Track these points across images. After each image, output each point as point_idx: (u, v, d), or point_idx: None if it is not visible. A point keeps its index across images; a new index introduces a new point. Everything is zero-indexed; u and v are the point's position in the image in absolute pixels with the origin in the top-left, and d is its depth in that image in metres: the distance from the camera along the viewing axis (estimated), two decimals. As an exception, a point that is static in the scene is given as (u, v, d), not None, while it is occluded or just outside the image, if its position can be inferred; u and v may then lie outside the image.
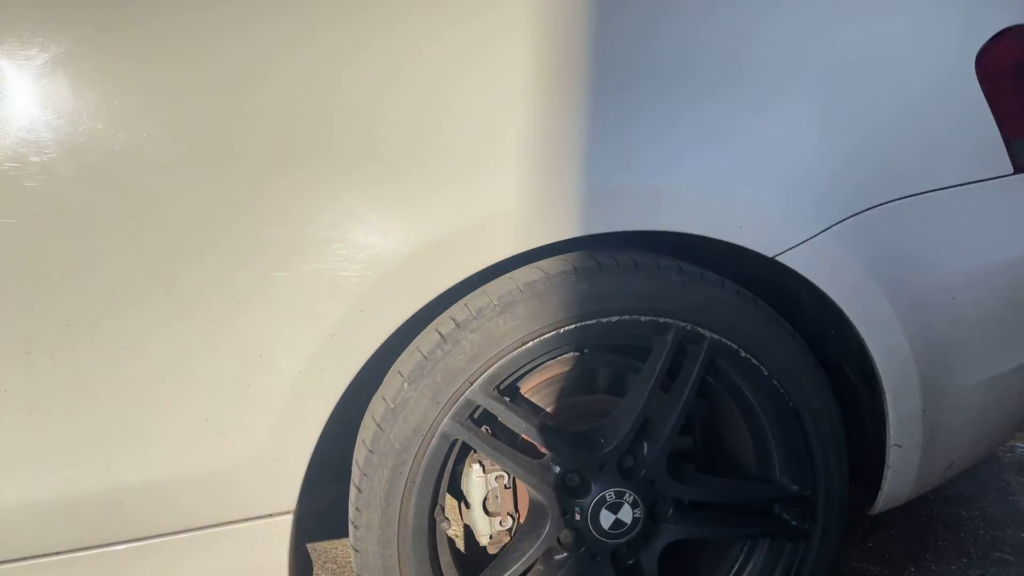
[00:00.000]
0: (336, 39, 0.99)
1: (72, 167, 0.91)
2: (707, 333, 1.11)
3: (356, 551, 1.08)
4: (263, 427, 1.00)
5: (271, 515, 1.04)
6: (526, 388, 1.17)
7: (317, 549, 1.62)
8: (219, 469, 1.00)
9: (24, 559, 0.97)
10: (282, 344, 0.99)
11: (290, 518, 1.05)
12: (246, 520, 1.03)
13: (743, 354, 1.13)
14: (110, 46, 0.92)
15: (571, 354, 1.17)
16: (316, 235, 0.98)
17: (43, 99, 0.90)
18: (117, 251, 0.94)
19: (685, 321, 1.10)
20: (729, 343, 1.12)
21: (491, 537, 1.17)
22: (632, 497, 1.13)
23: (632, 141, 1.05)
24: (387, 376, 1.09)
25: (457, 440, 1.09)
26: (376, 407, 1.08)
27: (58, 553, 0.98)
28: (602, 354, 1.21)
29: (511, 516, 1.17)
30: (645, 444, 1.15)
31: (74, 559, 0.99)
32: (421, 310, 1.03)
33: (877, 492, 1.22)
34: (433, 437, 1.07)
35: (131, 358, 0.96)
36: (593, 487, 1.13)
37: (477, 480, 1.14)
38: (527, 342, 1.07)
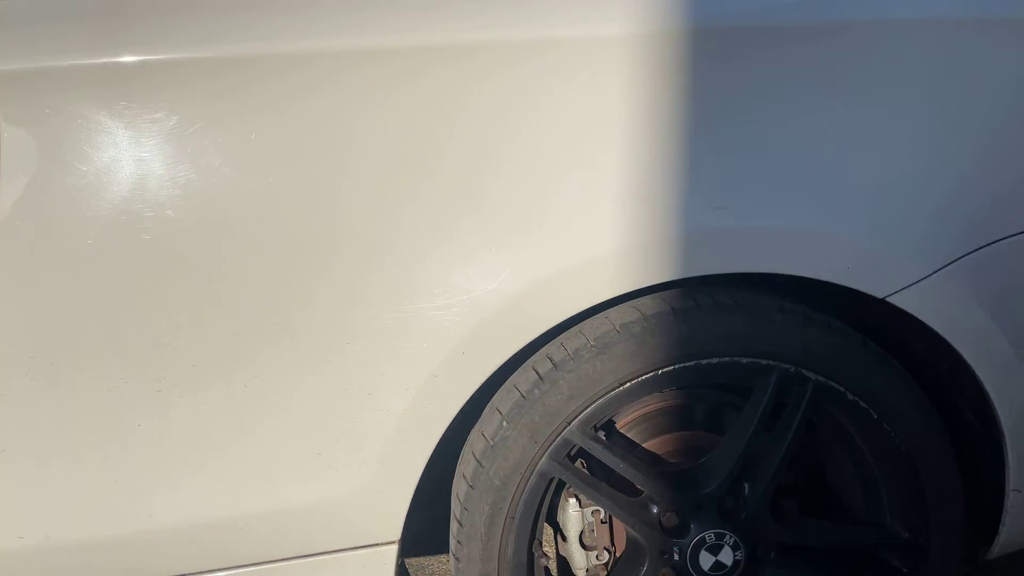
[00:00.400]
0: (443, 90, 0.97)
1: (197, 221, 0.91)
2: (812, 375, 1.02)
3: (457, 560, 1.05)
4: (370, 462, 0.99)
5: (377, 544, 1.02)
6: (622, 423, 1.11)
7: (414, 564, 1.60)
8: (330, 500, 1.00)
9: None
10: (388, 384, 0.97)
11: (395, 548, 1.03)
12: (354, 548, 1.02)
13: (850, 397, 1.03)
14: (229, 112, 0.91)
15: (669, 390, 1.08)
16: (420, 281, 0.96)
17: (169, 159, 0.90)
18: (239, 297, 0.94)
19: (788, 363, 1.01)
20: (835, 386, 1.03)
21: (587, 571, 1.12)
22: (733, 539, 1.05)
23: (732, 182, 0.97)
24: (486, 411, 1.05)
25: (554, 478, 1.03)
26: (476, 442, 1.04)
27: (201, 572, 0.98)
28: (701, 390, 1.12)
29: (608, 551, 1.11)
30: (746, 485, 1.06)
31: None
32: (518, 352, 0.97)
33: (993, 537, 1.09)
34: (532, 475, 1.02)
35: (251, 396, 0.96)
36: (692, 527, 1.05)
37: (574, 514, 1.09)
38: (624, 383, 1.01)
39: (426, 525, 1.20)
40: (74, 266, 0.93)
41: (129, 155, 0.93)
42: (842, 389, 1.04)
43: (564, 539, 1.14)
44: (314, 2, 0.95)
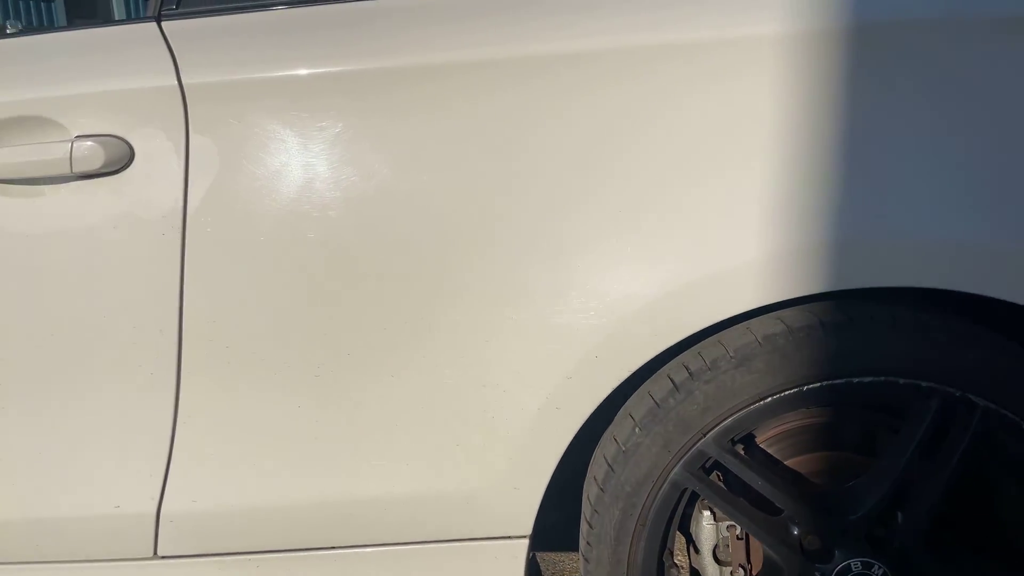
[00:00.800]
0: (594, 100, 0.94)
1: (357, 221, 0.95)
2: (981, 402, 0.87)
3: (586, 560, 0.99)
4: (504, 457, 0.95)
5: (509, 537, 0.99)
6: (762, 438, 1.01)
7: (545, 559, 1.55)
8: (466, 491, 0.97)
9: (303, 550, 0.99)
10: (523, 382, 0.94)
11: (526, 542, 0.99)
12: (487, 539, 0.99)
13: (1026, 427, 0.86)
14: (387, 115, 0.94)
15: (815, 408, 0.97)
16: (560, 283, 0.91)
17: (332, 163, 0.91)
18: (391, 294, 0.94)
19: (953, 387, 0.87)
20: (1008, 414, 0.87)
21: None
22: (882, 570, 0.91)
23: (893, 190, 0.84)
24: (618, 416, 0.99)
25: (687, 488, 0.95)
26: (607, 447, 0.98)
27: (333, 548, 0.99)
28: (851, 409, 0.99)
29: (743, 568, 1.00)
30: (899, 514, 0.92)
31: (344, 555, 1.00)
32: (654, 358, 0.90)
33: None
34: (664, 484, 0.94)
35: (397, 386, 0.96)
36: (837, 553, 0.94)
37: (708, 527, 1.00)
38: (764, 398, 0.91)
39: (560, 521, 1.15)
40: (249, 260, 0.96)
41: (298, 160, 0.95)
42: (1017, 419, 0.88)
43: (697, 551, 1.05)
44: (471, 10, 0.93)
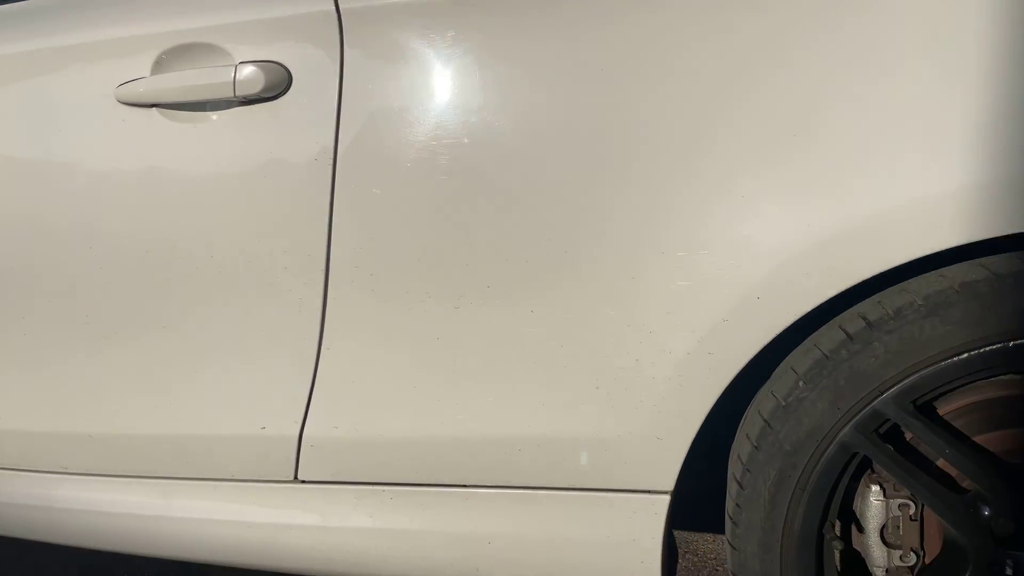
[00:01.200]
0: (746, 28, 0.81)
1: (501, 151, 0.86)
2: None
3: (733, 548, 0.84)
4: (648, 404, 0.82)
5: (650, 491, 0.86)
6: (945, 410, 0.81)
7: (678, 537, 1.39)
8: (604, 437, 0.85)
9: (435, 486, 0.91)
10: (672, 323, 0.81)
11: (667, 499, 0.86)
12: (626, 491, 0.87)
13: None
14: (519, 32, 0.80)
15: (1015, 376, 0.77)
16: (716, 215, 0.78)
17: (472, 88, 0.83)
18: (533, 225, 0.84)
19: None
20: None
21: (887, 571, 0.83)
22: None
23: None
24: (777, 371, 0.84)
25: (857, 454, 0.78)
26: (764, 402, 0.83)
27: (464, 487, 0.90)
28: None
29: (915, 553, 0.82)
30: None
31: (475, 494, 0.91)
32: (822, 305, 0.75)
33: None
34: (830, 445, 0.78)
35: (537, 321, 0.85)
36: (1036, 542, 0.73)
37: (876, 503, 0.83)
38: (960, 353, 0.72)
39: (694, 501, 1.00)
40: (396, 187, 0.89)
41: (448, 85, 0.87)
42: None
43: (860, 530, 0.87)
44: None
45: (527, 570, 0.97)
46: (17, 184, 1.05)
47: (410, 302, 0.94)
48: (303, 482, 1.01)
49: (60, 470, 1.11)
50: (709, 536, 1.47)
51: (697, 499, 1.04)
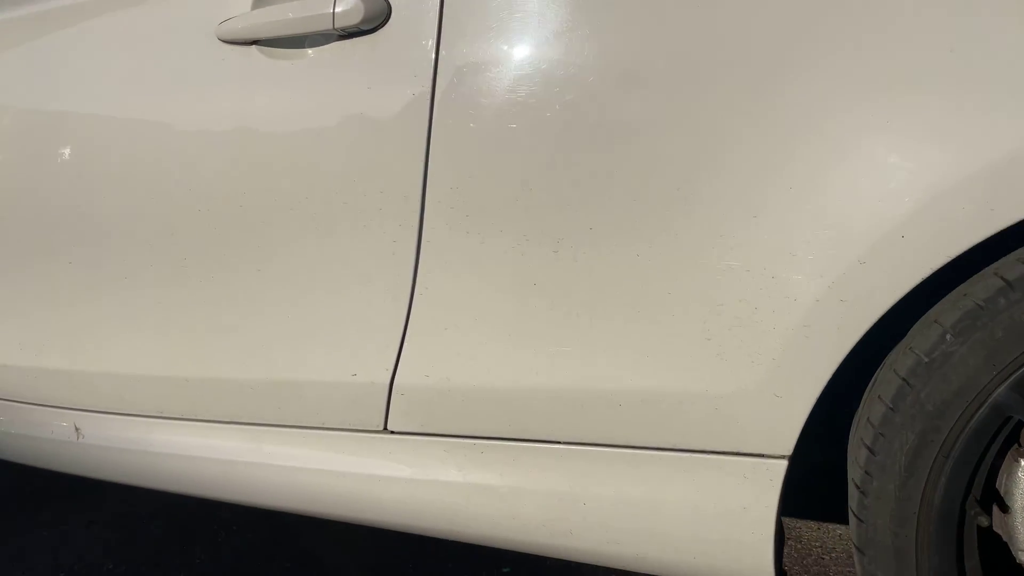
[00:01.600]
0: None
1: (608, 83, 0.78)
2: None
3: (860, 520, 0.74)
4: (766, 357, 0.72)
5: (763, 456, 0.76)
6: None
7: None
8: (715, 393, 0.76)
9: (529, 441, 0.84)
10: (799, 266, 0.70)
11: (784, 464, 0.76)
12: (736, 454, 0.77)
13: None
14: None
15: None
16: (857, 144, 0.66)
17: (587, 19, 0.73)
18: (644, 159, 0.75)
19: None
20: None
21: None
22: None
23: None
24: (917, 325, 0.72)
25: (1009, 419, 0.66)
26: (900, 360, 0.72)
27: (559, 443, 0.83)
28: None
29: None
30: None
31: (571, 451, 0.84)
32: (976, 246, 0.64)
33: None
34: (981, 407, 0.67)
35: (642, 265, 0.77)
36: None
37: (1029, 479, 0.70)
38: None
39: (798, 486, 0.89)
40: (494, 125, 0.83)
41: (550, 19, 0.78)
42: None
43: (1005, 510, 0.74)
44: None
45: (623, 535, 0.88)
46: (119, 127, 1.03)
47: (507, 245, 0.87)
48: (392, 432, 0.96)
49: (155, 414, 1.10)
50: (813, 523, 1.34)
51: (797, 483, 0.93)
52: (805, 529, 1.35)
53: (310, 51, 0.93)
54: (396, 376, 0.95)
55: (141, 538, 1.41)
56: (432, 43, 0.87)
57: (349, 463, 1.00)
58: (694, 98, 0.79)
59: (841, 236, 0.73)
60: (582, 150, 0.83)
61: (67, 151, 1.07)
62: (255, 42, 0.95)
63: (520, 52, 0.85)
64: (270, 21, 0.92)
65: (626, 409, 0.85)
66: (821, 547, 1.31)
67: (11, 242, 1.14)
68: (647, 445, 0.86)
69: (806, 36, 0.74)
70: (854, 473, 0.81)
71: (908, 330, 0.77)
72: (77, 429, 1.17)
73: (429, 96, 0.88)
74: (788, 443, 0.80)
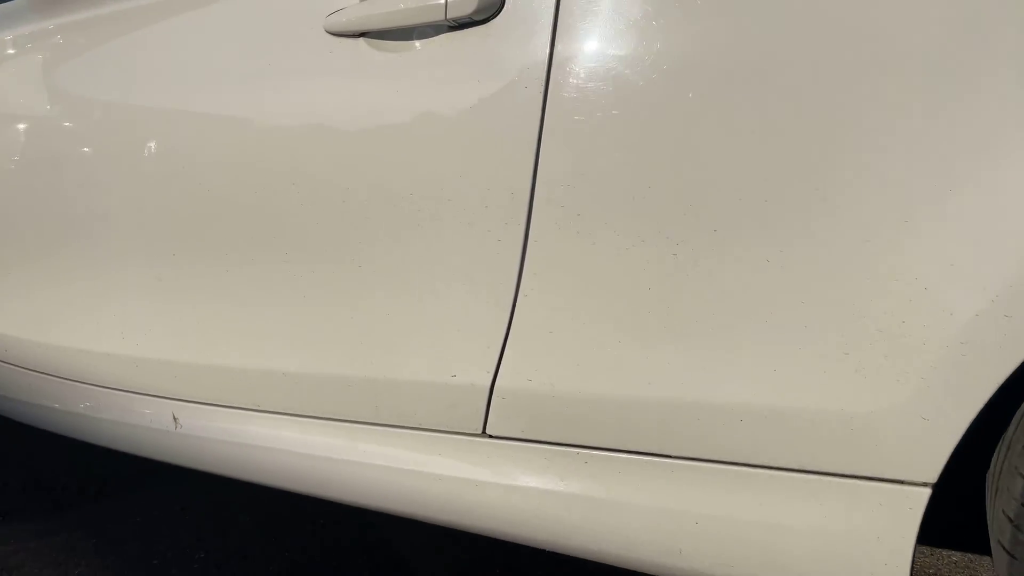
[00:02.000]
0: None
1: (740, 72, 0.68)
2: None
3: (1012, 557, 0.65)
4: (913, 375, 0.64)
5: (904, 482, 0.68)
6: None
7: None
8: (851, 413, 0.68)
9: (637, 454, 0.77)
10: (957, 277, 0.62)
11: (927, 493, 0.68)
12: (872, 479, 0.69)
13: None
14: None
15: None
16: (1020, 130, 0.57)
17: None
18: (775, 158, 0.67)
19: None
20: None
21: None
22: None
23: None
24: None
25: None
26: None
27: (670, 457, 0.76)
28: None
29: None
30: None
31: (683, 467, 0.77)
32: None
33: None
34: None
35: (773, 271, 0.69)
36: None
37: None
38: None
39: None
40: (612, 119, 0.76)
41: (683, 3, 0.72)
42: None
43: None
44: None
45: (738, 559, 0.81)
46: (222, 120, 1.01)
47: (621, 246, 0.80)
48: (491, 436, 0.91)
49: (252, 407, 1.08)
50: (926, 548, 1.23)
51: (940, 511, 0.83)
52: (934, 560, 1.25)
53: (418, 43, 0.89)
54: (497, 379, 0.90)
55: (231, 528, 1.41)
56: (547, 34, 0.82)
57: (445, 465, 0.95)
58: (838, 90, 0.70)
59: (1009, 244, 0.64)
60: (708, 148, 0.76)
61: (174, 145, 1.06)
62: (363, 34, 0.91)
63: (643, 43, 0.78)
64: (380, 13, 0.88)
65: (748, 425, 0.78)
66: (934, 575, 1.20)
67: (112, 233, 1.14)
68: (770, 464, 0.79)
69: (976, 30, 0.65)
70: (1006, 505, 0.71)
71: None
72: (175, 418, 1.17)
73: (542, 89, 0.82)
74: (933, 470, 0.71)
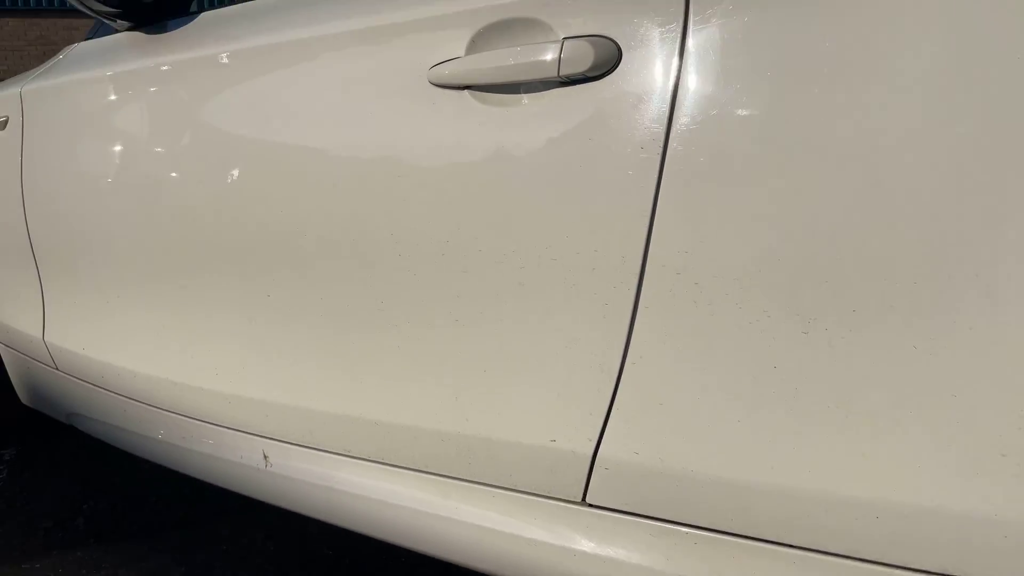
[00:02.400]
0: None
1: (868, 141, 0.60)
2: None
3: None
4: None
5: None
6: None
7: None
8: (1005, 520, 0.59)
9: (755, 540, 0.71)
10: None
11: None
12: None
13: None
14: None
15: None
16: None
17: (825, 66, 0.59)
18: (926, 235, 0.58)
19: None
20: None
21: None
22: None
23: None
24: None
25: None
26: None
27: (794, 547, 0.69)
28: None
29: None
30: None
31: (809, 559, 0.71)
32: None
33: None
34: None
35: (921, 360, 0.62)
36: None
37: None
38: None
39: None
40: (738, 185, 0.69)
41: (822, 58, 0.63)
42: None
43: None
44: None
45: (863, 660, 0.72)
46: (324, 162, 0.98)
47: (742, 319, 0.73)
48: (591, 506, 0.85)
49: (342, 452, 1.05)
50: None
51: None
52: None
53: (526, 98, 0.83)
54: (600, 448, 0.84)
55: (313, 562, 1.40)
56: (668, 91, 0.75)
57: (541, 532, 0.90)
58: (1007, 164, 0.61)
59: None
60: (847, 218, 0.68)
61: (282, 185, 1.04)
62: (468, 87, 0.86)
63: (771, 103, 0.70)
64: (486, 67, 0.83)
65: (884, 523, 0.70)
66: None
67: (209, 273, 1.13)
68: (906, 566, 0.70)
69: None
70: None
71: None
72: (265, 456, 1.15)
73: (660, 149, 0.76)
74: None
